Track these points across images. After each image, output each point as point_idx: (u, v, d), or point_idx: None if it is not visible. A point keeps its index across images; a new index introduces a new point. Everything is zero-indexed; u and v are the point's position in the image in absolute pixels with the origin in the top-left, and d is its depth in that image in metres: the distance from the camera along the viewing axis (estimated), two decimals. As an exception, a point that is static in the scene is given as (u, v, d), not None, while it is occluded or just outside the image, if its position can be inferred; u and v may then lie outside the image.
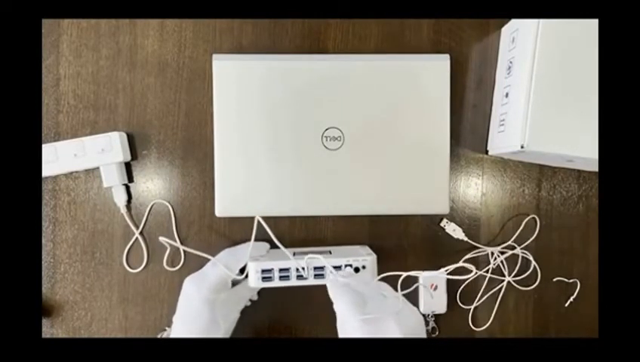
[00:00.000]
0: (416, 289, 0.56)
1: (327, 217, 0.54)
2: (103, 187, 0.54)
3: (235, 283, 0.51)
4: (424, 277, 0.55)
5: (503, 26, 0.55)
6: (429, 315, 0.56)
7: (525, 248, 0.56)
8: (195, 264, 0.55)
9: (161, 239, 0.54)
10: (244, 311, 0.52)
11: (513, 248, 0.56)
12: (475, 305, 0.56)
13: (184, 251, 0.55)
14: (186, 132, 0.55)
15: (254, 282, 0.49)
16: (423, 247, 0.56)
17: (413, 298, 0.56)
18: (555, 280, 0.57)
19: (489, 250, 0.56)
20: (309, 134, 0.52)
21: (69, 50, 0.54)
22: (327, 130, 0.52)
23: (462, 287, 0.56)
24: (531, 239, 0.56)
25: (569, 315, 0.57)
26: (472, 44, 0.56)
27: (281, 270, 0.49)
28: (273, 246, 0.51)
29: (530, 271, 0.57)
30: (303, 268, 0.48)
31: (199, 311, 0.48)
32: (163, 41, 0.55)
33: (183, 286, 0.50)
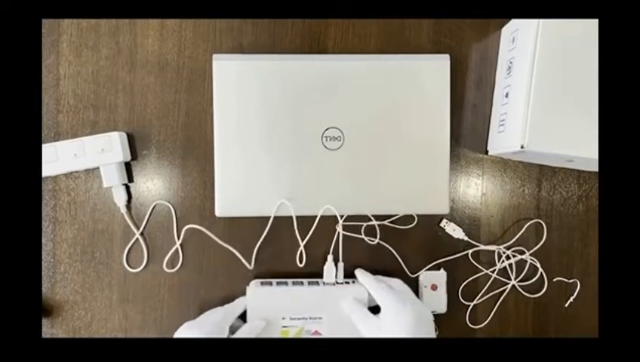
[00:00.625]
0: (417, 288, 0.56)
1: (327, 217, 0.54)
2: (103, 187, 0.54)
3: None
4: (425, 275, 0.55)
5: (503, 26, 0.55)
6: None
7: (528, 251, 0.56)
8: (194, 265, 0.55)
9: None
10: None
11: (522, 253, 0.56)
12: (475, 302, 0.56)
13: (183, 252, 0.55)
14: (186, 132, 0.55)
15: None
16: (423, 247, 0.56)
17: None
18: (555, 280, 0.57)
19: (496, 249, 0.56)
20: (309, 134, 0.52)
21: (69, 50, 0.54)
22: (327, 130, 0.52)
23: (464, 284, 0.56)
24: (540, 244, 0.56)
25: (569, 315, 0.57)
26: (472, 44, 0.56)
27: None
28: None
29: (536, 277, 0.57)
30: None
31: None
32: (163, 41, 0.55)
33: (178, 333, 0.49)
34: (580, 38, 0.46)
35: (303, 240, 0.54)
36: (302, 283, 0.53)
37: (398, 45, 0.56)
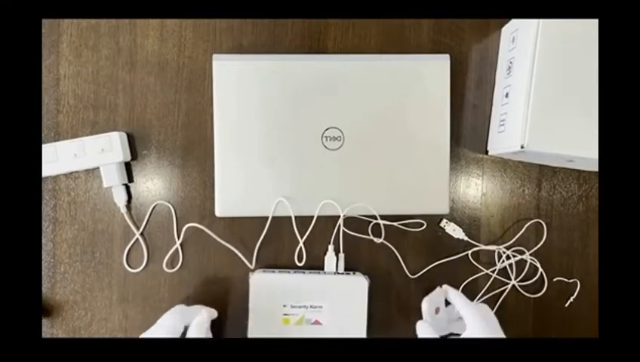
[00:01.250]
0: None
1: (326, 217, 0.54)
2: (103, 187, 0.54)
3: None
4: (430, 299, 0.50)
5: (503, 26, 0.55)
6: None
7: (528, 251, 0.56)
8: (194, 265, 0.55)
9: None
10: None
11: (522, 253, 0.56)
12: (475, 302, 0.56)
13: (183, 252, 0.55)
14: (186, 132, 0.55)
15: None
16: (423, 247, 0.56)
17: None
18: (555, 280, 0.57)
19: (496, 249, 0.56)
20: (308, 134, 0.52)
21: (69, 50, 0.54)
22: (327, 130, 0.52)
23: (464, 284, 0.56)
24: (540, 244, 0.56)
25: (569, 315, 0.57)
26: (472, 44, 0.56)
27: None
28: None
29: (536, 277, 0.57)
30: None
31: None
32: (163, 41, 0.55)
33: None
34: (580, 38, 0.46)
35: (302, 239, 0.54)
36: (303, 272, 0.54)
37: (398, 45, 0.56)
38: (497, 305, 0.57)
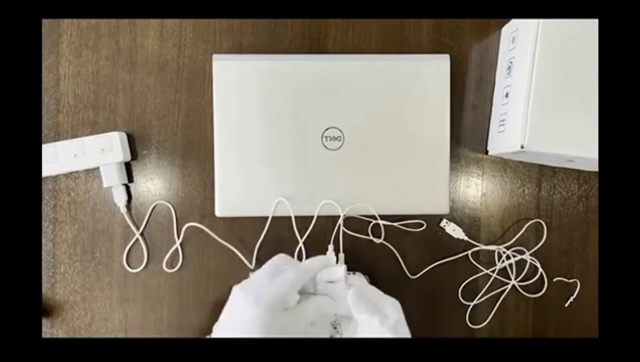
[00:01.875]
0: None
1: (326, 217, 0.54)
2: (103, 187, 0.54)
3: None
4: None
5: (503, 26, 0.55)
6: None
7: (528, 251, 0.56)
8: (194, 265, 0.55)
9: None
10: None
11: (522, 253, 0.56)
12: (475, 302, 0.56)
13: (183, 252, 0.55)
14: (186, 132, 0.55)
15: None
16: (423, 247, 0.56)
17: None
18: (555, 280, 0.57)
19: (496, 249, 0.56)
20: (308, 134, 0.52)
21: (69, 50, 0.54)
22: (327, 130, 0.52)
23: (464, 284, 0.56)
24: (540, 244, 0.56)
25: (569, 315, 0.57)
26: (472, 44, 0.56)
27: None
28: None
29: (536, 277, 0.57)
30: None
31: (249, 332, 0.40)
32: (163, 41, 0.55)
33: (232, 295, 0.43)
34: (580, 38, 0.46)
35: (301, 238, 0.54)
36: None
37: (398, 45, 0.56)
38: (497, 305, 0.57)
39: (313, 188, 0.53)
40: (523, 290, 0.57)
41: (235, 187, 0.52)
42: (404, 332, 0.42)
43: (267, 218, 0.53)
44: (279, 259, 0.45)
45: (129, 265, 0.55)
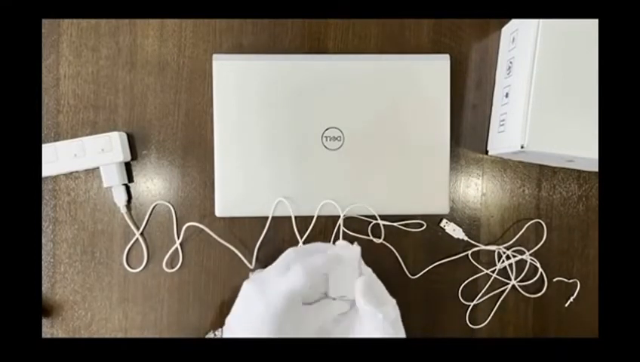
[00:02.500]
0: None
1: (326, 217, 0.54)
2: (103, 187, 0.54)
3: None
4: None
5: (503, 26, 0.55)
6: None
7: (528, 251, 0.56)
8: (194, 265, 0.55)
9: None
10: None
11: (522, 253, 0.56)
12: (475, 302, 0.56)
13: (183, 252, 0.55)
14: (186, 132, 0.55)
15: None
16: (423, 247, 0.56)
17: None
18: (555, 280, 0.57)
19: (496, 249, 0.56)
20: (309, 134, 0.52)
21: (69, 50, 0.54)
22: (327, 130, 0.52)
23: (464, 284, 0.56)
24: (540, 244, 0.56)
25: (569, 315, 0.57)
26: (472, 44, 0.56)
27: None
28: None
29: (536, 277, 0.57)
30: None
31: (262, 333, 0.41)
32: (163, 41, 0.55)
33: (243, 290, 0.43)
34: (579, 38, 0.46)
35: (301, 238, 0.54)
36: None
37: (398, 45, 0.56)
38: (497, 305, 0.57)
39: (313, 188, 0.53)
40: (523, 290, 0.57)
41: (235, 187, 0.52)
42: (401, 331, 0.44)
43: (267, 218, 0.53)
44: (291, 254, 0.46)
45: (129, 265, 0.55)
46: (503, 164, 0.57)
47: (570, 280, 0.57)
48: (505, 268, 0.57)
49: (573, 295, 0.57)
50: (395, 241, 0.56)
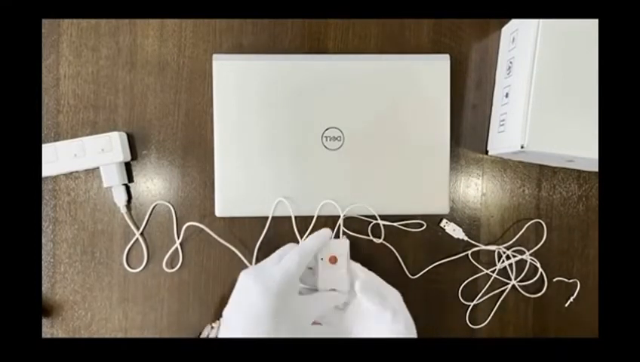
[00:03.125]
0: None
1: (326, 217, 0.54)
2: (103, 187, 0.54)
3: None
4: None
5: (503, 26, 0.55)
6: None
7: (528, 251, 0.56)
8: (194, 265, 0.55)
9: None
10: None
11: (522, 253, 0.56)
12: (475, 302, 0.56)
13: (183, 252, 0.55)
14: (186, 132, 0.55)
15: None
16: (423, 247, 0.56)
17: None
18: (555, 280, 0.57)
19: (496, 249, 0.56)
20: (309, 134, 0.52)
21: (69, 50, 0.54)
22: (327, 130, 0.52)
23: (464, 284, 0.56)
24: (540, 244, 0.56)
25: (569, 315, 0.57)
26: (472, 44, 0.56)
27: None
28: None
29: (536, 277, 0.57)
30: None
31: (259, 319, 0.40)
32: (163, 41, 0.55)
33: (240, 279, 0.43)
34: (579, 38, 0.46)
35: (302, 238, 0.54)
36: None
37: (398, 45, 0.56)
38: (497, 305, 0.57)
39: (313, 188, 0.53)
40: (523, 290, 0.57)
41: (235, 187, 0.52)
42: (411, 326, 0.45)
43: (267, 218, 0.53)
44: (289, 247, 0.47)
45: (129, 265, 0.55)
46: (503, 164, 0.57)
47: (570, 280, 0.57)
48: (505, 268, 0.57)
49: (573, 295, 0.57)
50: (395, 241, 0.56)
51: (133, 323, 0.56)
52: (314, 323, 0.50)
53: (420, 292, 0.56)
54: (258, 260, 0.55)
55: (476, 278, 0.57)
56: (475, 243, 0.56)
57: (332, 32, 0.55)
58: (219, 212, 0.53)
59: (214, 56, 0.52)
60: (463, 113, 0.56)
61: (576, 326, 0.57)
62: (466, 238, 0.56)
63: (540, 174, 0.57)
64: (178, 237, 0.55)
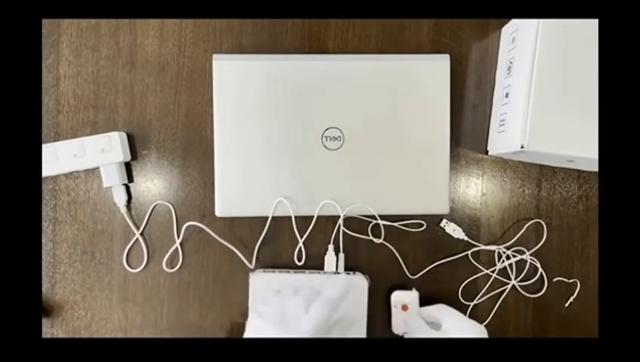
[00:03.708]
0: (388, 306, 0.55)
1: (326, 217, 0.54)
2: (103, 187, 0.54)
3: None
4: (396, 295, 0.54)
5: (503, 26, 0.55)
6: (401, 335, 0.54)
7: (528, 251, 0.56)
8: (194, 265, 0.55)
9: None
10: None
11: (522, 253, 0.56)
12: (475, 302, 0.56)
13: (183, 252, 0.55)
14: (186, 132, 0.55)
15: None
16: (423, 247, 0.56)
17: (384, 316, 0.55)
18: (555, 280, 0.57)
19: (496, 249, 0.56)
20: (309, 134, 0.52)
21: (69, 50, 0.54)
22: (327, 130, 0.52)
23: (464, 284, 0.56)
24: (540, 244, 0.56)
25: (569, 315, 0.57)
26: (472, 44, 0.56)
27: None
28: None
29: (536, 277, 0.57)
30: None
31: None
32: (163, 41, 0.55)
33: (253, 323, 0.43)
34: (579, 38, 0.46)
35: (302, 238, 0.54)
36: (303, 272, 0.54)
37: (398, 45, 0.56)
38: (497, 305, 0.57)
39: (313, 188, 0.53)
40: (523, 290, 0.57)
41: (235, 187, 0.52)
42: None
43: (267, 218, 0.53)
44: (308, 288, 0.45)
45: (129, 265, 0.55)
46: (503, 164, 0.57)
47: (570, 280, 0.57)
48: (505, 268, 0.57)
49: (573, 295, 0.57)
50: (395, 241, 0.56)
51: (133, 323, 0.56)
52: None
53: (420, 292, 0.56)
54: (258, 260, 0.55)
55: (476, 278, 0.57)
56: (475, 243, 0.56)
57: (332, 32, 0.55)
58: (219, 212, 0.53)
59: (214, 56, 0.52)
60: (463, 113, 0.56)
61: (576, 326, 0.57)
62: (466, 238, 0.56)
63: (539, 174, 0.57)
64: (178, 237, 0.55)
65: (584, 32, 0.46)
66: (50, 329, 0.55)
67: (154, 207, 0.55)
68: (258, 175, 0.52)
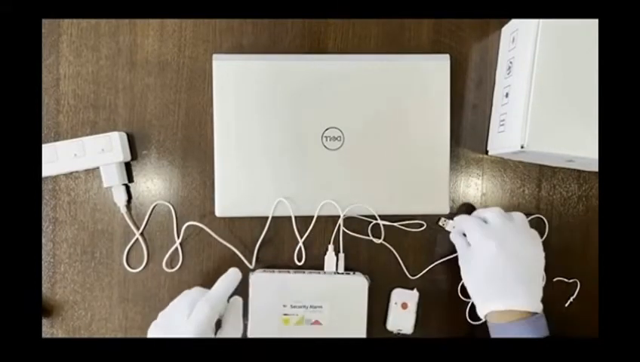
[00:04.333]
0: (388, 304, 0.55)
1: (326, 217, 0.54)
2: (103, 187, 0.54)
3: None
4: (397, 293, 0.55)
5: (503, 26, 0.55)
6: (394, 332, 0.55)
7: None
8: (194, 265, 0.55)
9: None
10: None
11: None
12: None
13: (183, 252, 0.55)
14: (186, 132, 0.55)
15: None
16: (423, 247, 0.56)
17: (384, 316, 0.56)
18: (555, 280, 0.57)
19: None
20: (308, 134, 0.52)
21: (69, 50, 0.54)
22: (327, 130, 0.52)
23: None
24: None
25: (569, 315, 0.57)
26: (472, 44, 0.56)
27: None
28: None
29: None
30: None
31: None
32: (163, 41, 0.55)
33: (149, 332, 0.45)
34: (579, 38, 0.46)
35: (302, 238, 0.54)
36: (303, 272, 0.54)
37: (398, 45, 0.56)
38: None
39: (313, 188, 0.53)
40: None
41: (235, 187, 0.52)
42: None
43: (267, 218, 0.53)
44: (195, 291, 0.47)
45: (129, 265, 0.55)
46: (503, 164, 0.57)
47: (570, 280, 0.57)
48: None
49: (573, 295, 0.57)
50: (395, 241, 0.56)
51: (133, 323, 0.56)
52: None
53: (420, 292, 0.56)
54: (258, 260, 0.55)
55: (476, 278, 0.57)
56: (475, 243, 0.56)
57: (332, 32, 0.55)
58: (219, 212, 0.53)
59: (214, 56, 0.52)
60: (463, 113, 0.56)
61: (576, 326, 0.57)
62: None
63: (539, 174, 0.57)
64: (178, 237, 0.55)
65: (584, 32, 0.46)
66: (50, 329, 0.55)
67: (154, 207, 0.55)
68: (258, 175, 0.52)
